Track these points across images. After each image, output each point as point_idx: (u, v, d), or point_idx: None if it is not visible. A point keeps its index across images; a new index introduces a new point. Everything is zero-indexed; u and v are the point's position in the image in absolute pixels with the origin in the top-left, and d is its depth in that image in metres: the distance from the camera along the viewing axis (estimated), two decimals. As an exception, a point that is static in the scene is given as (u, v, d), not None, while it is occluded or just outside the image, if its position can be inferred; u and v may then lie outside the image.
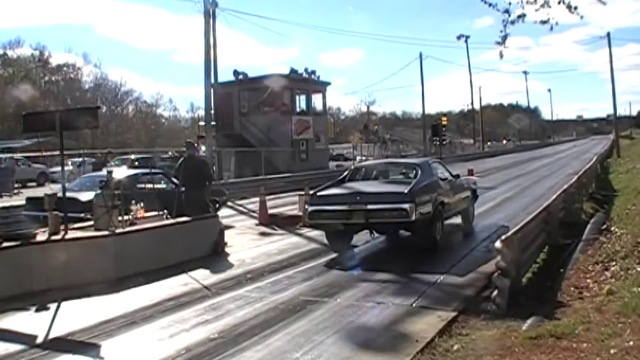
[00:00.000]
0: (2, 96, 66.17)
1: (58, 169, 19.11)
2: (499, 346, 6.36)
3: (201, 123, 37.25)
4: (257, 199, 18.85)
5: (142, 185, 14.86)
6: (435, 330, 7.17)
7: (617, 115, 61.04)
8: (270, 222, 17.14)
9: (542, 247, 11.11)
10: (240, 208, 21.75)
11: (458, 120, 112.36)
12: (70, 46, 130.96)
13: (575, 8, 7.97)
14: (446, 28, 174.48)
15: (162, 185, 16.21)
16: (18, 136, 47.68)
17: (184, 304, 8.94)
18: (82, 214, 12.44)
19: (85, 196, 13.51)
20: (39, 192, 18.78)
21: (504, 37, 8.88)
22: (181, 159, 15.01)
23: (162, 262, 11.21)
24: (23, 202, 18.07)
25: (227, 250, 13.19)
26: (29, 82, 69.54)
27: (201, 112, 39.07)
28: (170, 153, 45.21)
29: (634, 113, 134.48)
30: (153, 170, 18.81)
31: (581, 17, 8.23)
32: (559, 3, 7.93)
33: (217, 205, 17.28)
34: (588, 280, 8.95)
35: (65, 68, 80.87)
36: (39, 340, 7.46)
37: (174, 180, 14.94)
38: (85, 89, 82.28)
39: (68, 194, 13.86)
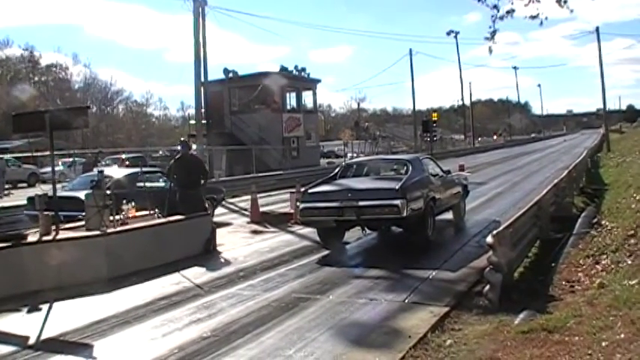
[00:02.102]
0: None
1: (49, 169, 19.07)
2: (491, 341, 6.39)
3: (192, 122, 37.20)
4: (248, 197, 18.84)
5: (142, 184, 14.78)
6: (428, 325, 7.18)
7: (607, 109, 61.30)
8: (262, 220, 17.14)
9: (533, 241, 11.14)
10: (232, 207, 21.71)
11: (448, 116, 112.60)
12: (59, 46, 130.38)
13: (565, 2, 8.01)
14: (435, 24, 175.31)
15: (161, 184, 16.23)
16: (8, 136, 47.47)
17: (177, 303, 8.93)
18: (84, 213, 12.45)
19: None
20: (30, 193, 18.70)
21: (493, 33, 8.95)
22: (173, 158, 15.00)
23: (154, 261, 11.20)
24: (15, 202, 18.13)
25: (219, 248, 13.18)
26: (19, 82, 69.27)
27: (192, 111, 39.11)
28: (161, 152, 45.09)
29: (623, 107, 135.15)
30: (152, 169, 18.92)
31: (571, 11, 8.29)
32: (549, -2, 7.98)
33: (215, 203, 17.33)
34: (580, 274, 9.00)
35: (54, 68, 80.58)
36: (31, 341, 7.43)
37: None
38: (75, 89, 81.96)
39: (69, 193, 13.98)
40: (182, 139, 15.63)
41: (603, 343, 5.72)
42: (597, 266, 9.09)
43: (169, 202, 13.11)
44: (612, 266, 8.73)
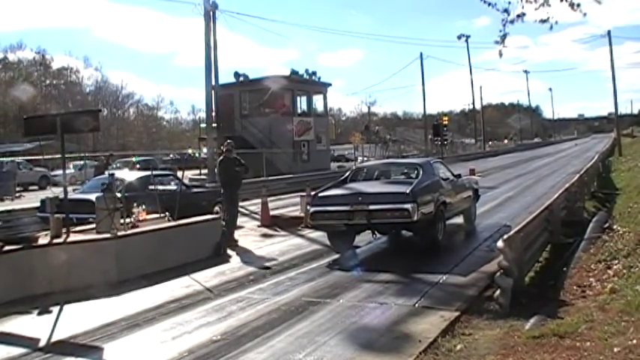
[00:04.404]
0: (3, 99, 66.31)
1: (60, 172, 19.15)
2: (502, 346, 6.36)
3: (203, 125, 37.25)
4: (259, 200, 18.86)
5: (153, 187, 14.81)
6: (438, 330, 7.17)
7: (619, 113, 61.00)
8: (272, 223, 17.13)
9: (544, 246, 11.10)
10: (242, 210, 21.67)
11: (459, 120, 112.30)
12: (70, 50, 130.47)
13: (578, 6, 7.96)
14: (444, 28, 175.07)
15: (172, 187, 16.31)
16: (19, 139, 47.70)
17: (187, 306, 8.94)
18: (95, 216, 12.50)
19: None
20: (41, 195, 18.79)
21: (503, 37, 8.88)
22: (219, 160, 15.57)
23: (164, 264, 11.22)
24: (27, 205, 18.19)
25: (229, 251, 13.19)
26: (30, 85, 69.71)
27: (203, 114, 39.06)
28: (172, 155, 45.21)
29: (635, 111, 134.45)
30: (163, 172, 19.02)
31: (584, 15, 8.22)
32: (561, 1, 7.93)
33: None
34: (591, 279, 8.95)
35: (66, 72, 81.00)
36: (41, 344, 7.46)
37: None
38: (86, 92, 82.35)
39: (81, 196, 14.06)
40: (227, 141, 15.73)
41: (615, 349, 5.68)
42: (609, 271, 9.04)
43: (179, 205, 13.11)
44: (624, 271, 8.68)
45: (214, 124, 31.12)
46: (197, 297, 9.45)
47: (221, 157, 15.19)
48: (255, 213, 19.39)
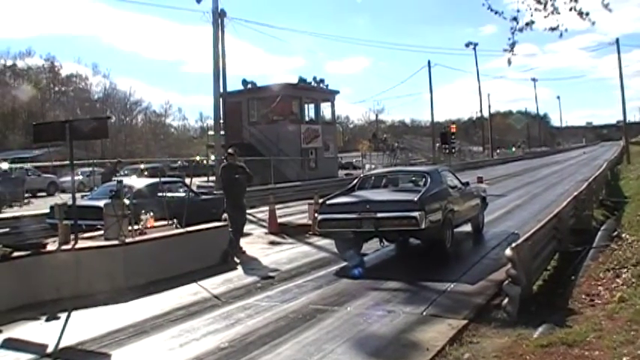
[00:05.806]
0: (13, 106, 66.64)
1: (68, 178, 19.24)
2: (510, 354, 6.34)
3: (211, 132, 37.35)
4: (266, 208, 18.87)
5: (161, 194, 14.83)
6: (446, 338, 7.14)
7: (627, 121, 60.82)
8: (280, 231, 17.13)
9: (552, 254, 11.05)
10: (250, 217, 21.68)
11: (467, 127, 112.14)
12: (79, 57, 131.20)
13: (587, 14, 7.97)
14: (451, 36, 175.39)
15: (181, 194, 16.33)
16: (28, 146, 47.92)
17: (194, 313, 8.94)
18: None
19: None
20: (50, 202, 18.85)
21: (512, 45, 8.91)
22: (221, 166, 15.37)
23: (171, 271, 11.22)
24: (35, 211, 18.25)
25: (236, 259, 13.19)
26: (39, 92, 70.01)
27: (211, 122, 39.27)
28: (179, 162, 45.27)
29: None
30: (172, 179, 19.07)
31: (593, 23, 8.23)
32: (570, 10, 7.94)
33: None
34: (599, 288, 8.90)
35: (74, 79, 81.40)
36: (49, 350, 7.47)
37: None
38: (95, 99, 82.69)
39: (91, 203, 14.11)
40: (229, 150, 15.72)
41: (624, 358, 5.67)
42: (618, 280, 9.00)
43: (187, 212, 13.13)
44: (633, 280, 8.64)
45: (222, 132, 31.20)
46: (205, 304, 9.46)
47: (223, 163, 15.14)
48: (263, 220, 19.39)
